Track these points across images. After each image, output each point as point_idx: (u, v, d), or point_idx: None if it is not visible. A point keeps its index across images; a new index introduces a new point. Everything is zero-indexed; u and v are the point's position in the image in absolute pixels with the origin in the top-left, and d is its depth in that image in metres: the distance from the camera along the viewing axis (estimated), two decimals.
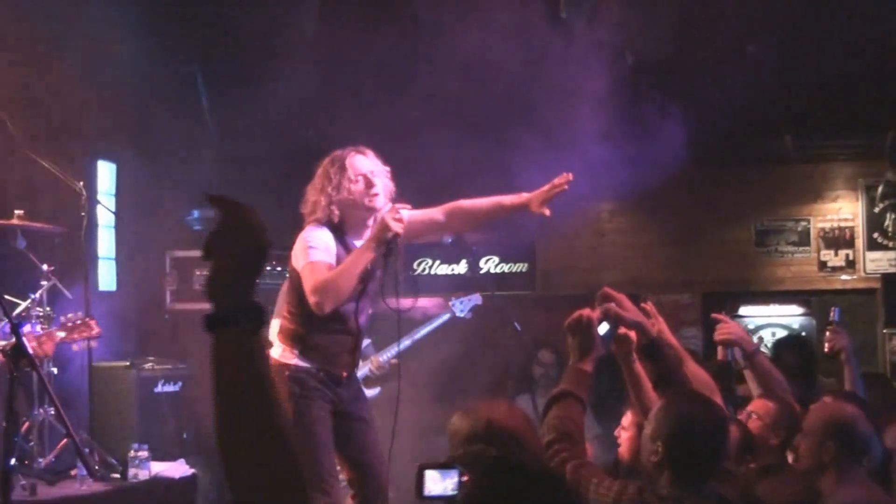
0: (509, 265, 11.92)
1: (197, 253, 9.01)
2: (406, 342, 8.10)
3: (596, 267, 11.79)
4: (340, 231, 5.65)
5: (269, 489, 2.24)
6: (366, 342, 8.04)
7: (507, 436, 3.59)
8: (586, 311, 4.01)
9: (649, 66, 9.00)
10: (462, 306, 8.22)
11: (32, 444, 7.33)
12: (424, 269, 11.70)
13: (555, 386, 4.10)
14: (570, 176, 5.60)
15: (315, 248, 5.55)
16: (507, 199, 5.79)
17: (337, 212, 5.63)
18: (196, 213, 9.84)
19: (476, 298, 8.31)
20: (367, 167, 5.67)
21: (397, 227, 5.43)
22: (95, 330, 6.17)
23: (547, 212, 5.62)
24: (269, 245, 2.31)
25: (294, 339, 5.69)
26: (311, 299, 5.46)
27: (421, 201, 8.86)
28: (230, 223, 2.31)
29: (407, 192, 8.96)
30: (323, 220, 5.65)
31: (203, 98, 10.59)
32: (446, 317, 8.24)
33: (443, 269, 11.77)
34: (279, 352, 5.69)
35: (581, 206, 10.91)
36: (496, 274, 11.72)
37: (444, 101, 9.11)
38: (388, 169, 5.81)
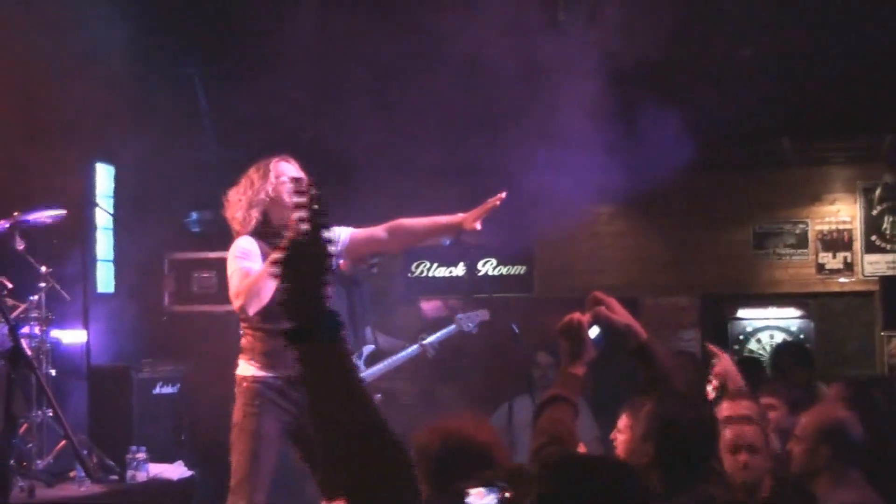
0: (507, 268, 11.92)
1: (195, 255, 9.04)
2: (412, 350, 8.10)
3: (594, 270, 11.79)
4: (264, 236, 5.78)
5: (379, 484, 2.30)
6: (369, 348, 8.07)
7: (478, 451, 3.61)
8: (577, 315, 4.02)
9: (646, 68, 9.01)
10: (469, 321, 8.22)
11: (31, 445, 7.36)
12: (423, 272, 11.70)
13: None
14: (503, 195, 5.88)
15: (242, 257, 5.73)
16: (444, 219, 6.00)
17: (257, 215, 5.79)
18: (194, 216, 9.86)
19: (483, 314, 8.32)
20: (292, 172, 5.82)
21: (301, 222, 5.52)
22: None
23: (478, 226, 5.88)
24: (330, 262, 2.47)
25: (245, 350, 5.86)
26: (234, 303, 5.70)
27: (417, 199, 8.92)
28: (296, 246, 2.44)
29: (405, 189, 9.02)
30: (247, 228, 5.81)
31: (201, 100, 10.61)
32: (452, 328, 8.24)
33: (441, 272, 11.77)
34: (239, 366, 5.86)
35: (579, 210, 10.92)
36: (494, 276, 11.73)
37: (440, 103, 9.13)
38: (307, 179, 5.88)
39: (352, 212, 6.13)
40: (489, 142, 9.06)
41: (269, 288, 5.56)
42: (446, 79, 9.01)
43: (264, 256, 5.68)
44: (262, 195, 5.76)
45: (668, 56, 8.96)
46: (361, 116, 9.10)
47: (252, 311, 5.60)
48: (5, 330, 7.16)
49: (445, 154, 9.09)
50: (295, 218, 5.53)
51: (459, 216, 5.91)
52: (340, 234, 5.95)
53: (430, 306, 10.62)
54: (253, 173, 5.85)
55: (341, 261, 6.06)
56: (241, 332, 5.93)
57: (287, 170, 5.82)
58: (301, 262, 2.47)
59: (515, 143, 9.06)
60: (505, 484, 3.26)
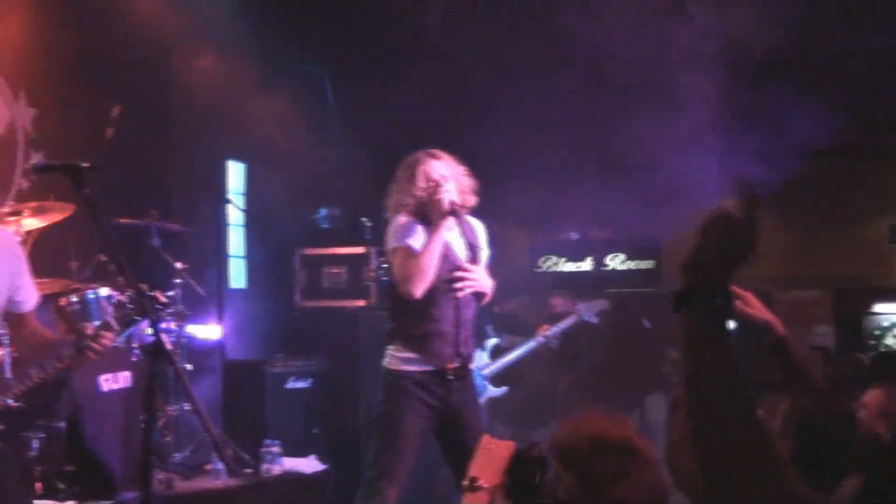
0: (636, 262, 11.78)
1: (325, 251, 9.14)
2: (532, 344, 8.08)
3: None
4: (426, 225, 5.82)
5: (741, 469, 2.30)
6: (493, 341, 8.07)
7: (622, 448, 3.56)
8: None
9: (776, 56, 8.86)
10: (589, 311, 8.17)
11: (168, 438, 7.51)
12: (549, 266, 11.64)
13: None
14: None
15: (401, 236, 5.78)
16: None
17: (413, 210, 5.84)
18: (323, 212, 9.94)
19: (602, 303, 8.27)
20: (438, 171, 5.81)
21: (444, 197, 5.68)
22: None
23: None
24: (754, 245, 2.42)
25: (395, 336, 5.86)
26: (401, 287, 5.72)
27: (546, 194, 8.90)
28: (734, 215, 2.45)
29: (527, 182, 8.99)
30: (409, 213, 5.86)
31: (330, 98, 10.72)
32: (573, 319, 8.19)
33: (568, 267, 11.69)
34: (385, 357, 5.87)
35: (708, 202, 10.76)
36: (622, 271, 11.61)
37: (567, 98, 9.10)
38: (461, 168, 5.91)
39: (483, 206, 6.13)
40: (617, 136, 8.97)
41: (433, 268, 5.63)
42: (574, 73, 8.98)
43: (424, 237, 5.73)
44: (410, 199, 5.80)
45: (799, 43, 8.80)
46: (491, 112, 9.12)
47: (419, 293, 5.64)
48: (144, 325, 7.34)
49: (574, 149, 9.04)
50: (438, 196, 5.64)
51: None
52: (481, 233, 6.01)
53: (558, 301, 10.53)
54: (401, 172, 5.88)
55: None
56: (391, 319, 5.95)
57: (432, 170, 5.82)
58: (727, 231, 2.46)
59: (643, 137, 8.96)
60: None
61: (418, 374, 5.75)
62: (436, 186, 5.73)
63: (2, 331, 5.10)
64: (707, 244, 2.48)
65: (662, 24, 8.64)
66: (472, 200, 5.90)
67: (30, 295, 4.78)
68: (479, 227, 6.06)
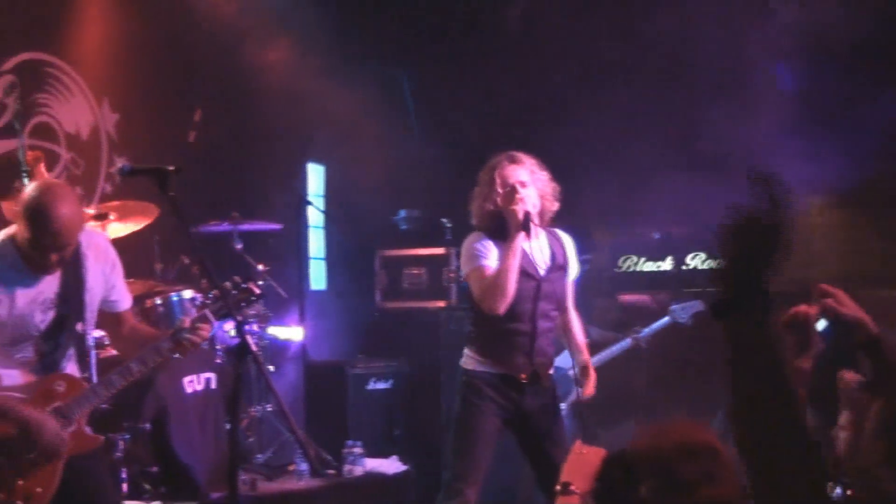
0: (717, 261, 11.66)
1: (405, 252, 9.15)
2: (622, 344, 8.01)
3: (807, 262, 11.41)
4: (502, 237, 5.69)
5: (786, 474, 2.27)
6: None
7: (706, 452, 3.50)
8: (803, 308, 3.89)
9: (862, 50, 8.70)
10: (683, 312, 8.07)
11: (251, 439, 7.55)
12: (629, 266, 11.55)
13: None
14: None
15: (475, 255, 5.68)
16: None
17: (490, 221, 5.72)
18: (402, 213, 9.95)
19: (697, 305, 8.14)
20: (517, 177, 5.68)
21: (519, 207, 5.54)
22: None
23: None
24: (784, 244, 2.37)
25: (471, 341, 5.82)
26: (482, 305, 5.65)
27: (621, 190, 8.81)
28: (760, 215, 2.39)
29: (607, 180, 8.92)
30: (482, 227, 5.76)
31: (408, 98, 10.73)
32: (665, 320, 8.10)
33: (648, 266, 11.59)
34: (463, 357, 5.83)
35: (790, 201, 10.60)
36: (703, 270, 11.49)
37: (645, 91, 9.04)
38: (544, 174, 5.79)
39: (564, 201, 6.06)
40: (699, 132, 8.87)
41: (513, 285, 5.57)
42: (656, 68, 8.91)
43: (498, 255, 5.64)
44: (490, 204, 5.70)
45: (886, 36, 8.64)
46: (572, 109, 9.06)
47: (502, 310, 5.57)
48: (227, 326, 7.39)
49: (656, 146, 8.95)
50: (513, 206, 5.54)
51: None
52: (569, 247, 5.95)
53: (635, 300, 10.44)
54: (482, 176, 5.77)
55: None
56: (469, 324, 5.92)
57: (510, 175, 5.69)
58: (751, 234, 2.42)
59: (719, 129, 8.86)
60: (849, 482, 3.17)
61: (490, 375, 5.72)
62: (511, 194, 5.65)
63: (100, 332, 5.15)
64: (735, 249, 2.41)
65: (745, 17, 8.54)
66: (553, 206, 5.78)
67: (124, 294, 4.85)
68: (567, 241, 5.93)
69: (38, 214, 4.33)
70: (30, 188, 4.47)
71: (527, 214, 5.58)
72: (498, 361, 5.70)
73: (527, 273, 5.64)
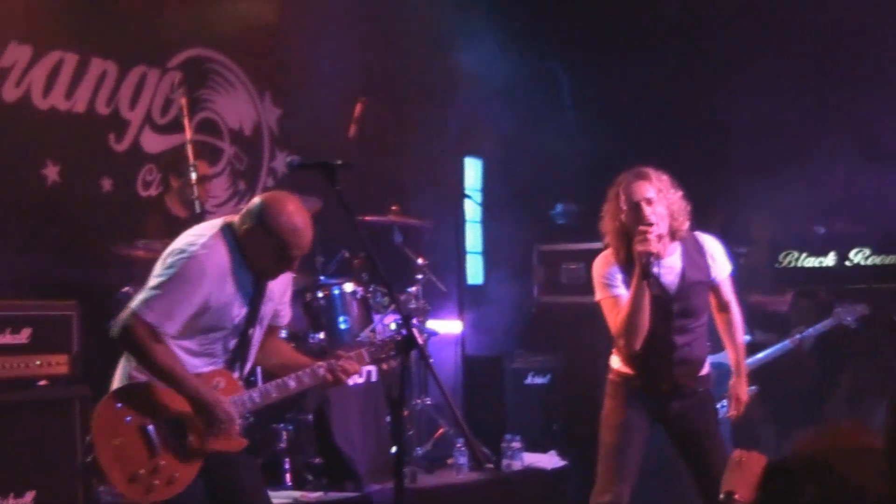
0: (881, 257, 11.35)
1: (563, 246, 9.09)
2: (785, 344, 7.81)
3: None
4: (630, 260, 5.46)
5: None
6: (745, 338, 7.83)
7: (872, 457, 3.38)
8: None
9: None
10: (848, 315, 7.84)
11: (411, 432, 7.59)
12: (790, 262, 11.31)
13: None
14: None
15: (604, 284, 5.56)
16: None
17: (617, 241, 5.55)
18: (559, 208, 9.90)
19: (863, 309, 7.91)
20: (641, 194, 5.47)
21: (644, 248, 5.30)
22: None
23: None
24: None
25: (617, 346, 5.71)
26: (618, 343, 5.54)
27: (783, 183, 8.62)
28: None
29: (767, 168, 8.74)
30: (612, 247, 5.60)
31: (565, 94, 10.68)
32: (829, 321, 7.89)
33: (809, 262, 11.34)
34: (612, 356, 5.75)
35: None
36: (868, 266, 11.19)
37: (810, 82, 8.86)
38: (676, 191, 5.55)
39: (725, 194, 5.94)
40: (867, 123, 8.65)
41: (646, 323, 5.41)
42: (821, 58, 8.72)
43: (625, 280, 5.48)
44: (616, 222, 5.51)
45: None
46: (731, 101, 8.91)
47: (638, 347, 5.42)
48: (386, 321, 7.44)
49: (820, 137, 8.75)
50: (638, 246, 5.32)
51: None
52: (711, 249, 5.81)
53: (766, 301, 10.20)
54: (610, 192, 5.57)
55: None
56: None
57: (636, 192, 5.45)
58: None
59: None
60: None
61: (633, 378, 5.62)
62: (636, 216, 5.39)
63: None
64: None
65: None
66: (683, 225, 5.56)
67: (287, 311, 4.96)
68: (708, 245, 5.71)
69: (296, 230, 4.50)
70: (268, 203, 4.55)
71: (647, 259, 5.32)
72: (639, 373, 5.60)
73: (657, 299, 5.45)
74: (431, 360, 7.86)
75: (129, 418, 4.38)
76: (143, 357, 4.42)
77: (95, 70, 7.63)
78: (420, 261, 7.95)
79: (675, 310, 5.55)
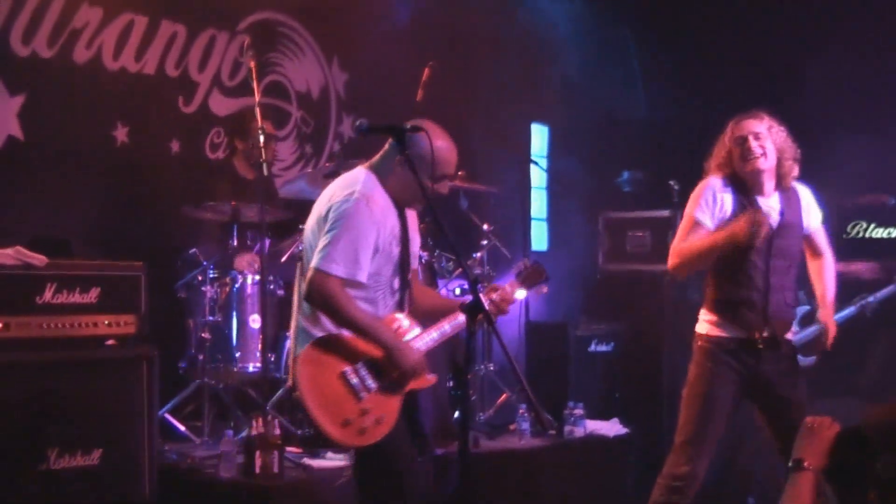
0: None
1: (629, 214, 9.04)
2: (847, 312, 7.70)
3: None
4: (743, 188, 5.53)
5: None
6: (802, 308, 7.76)
7: None
8: None
9: None
10: None
11: (474, 398, 7.60)
12: (858, 233, 11.17)
13: None
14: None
15: (698, 202, 5.55)
16: None
17: (727, 171, 5.56)
18: (625, 175, 9.83)
19: None
20: (751, 129, 5.49)
21: (748, 234, 5.32)
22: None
23: None
24: None
25: (706, 303, 5.69)
26: (670, 259, 5.59)
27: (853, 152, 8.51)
28: None
29: (836, 138, 8.63)
30: (721, 175, 5.59)
31: (634, 61, 10.59)
32: (892, 288, 7.77)
33: (878, 233, 11.19)
34: (698, 321, 5.72)
35: None
36: None
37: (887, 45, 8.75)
38: (783, 131, 5.57)
39: (817, 175, 5.89)
40: None
41: (708, 261, 5.46)
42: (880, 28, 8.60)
43: (732, 209, 5.50)
44: (722, 158, 5.56)
45: None
46: (805, 69, 8.81)
47: (682, 277, 5.57)
48: (451, 286, 7.45)
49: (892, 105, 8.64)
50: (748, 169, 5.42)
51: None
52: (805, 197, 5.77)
53: (865, 267, 10.11)
54: (723, 132, 5.62)
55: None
56: (703, 286, 5.77)
57: (746, 126, 5.52)
58: None
59: None
60: None
61: (726, 340, 5.58)
62: (742, 147, 5.49)
63: None
64: None
65: None
66: (793, 169, 5.58)
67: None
68: (803, 193, 5.72)
69: (449, 150, 4.78)
70: (421, 128, 4.67)
71: (764, 233, 5.38)
72: (732, 322, 5.55)
73: None
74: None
75: (329, 368, 4.52)
76: (336, 312, 4.55)
77: (165, 32, 7.67)
78: (485, 227, 7.94)
79: (775, 247, 5.54)
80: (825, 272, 5.85)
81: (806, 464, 3.59)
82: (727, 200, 5.53)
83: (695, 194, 5.60)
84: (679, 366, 6.79)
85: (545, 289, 5.52)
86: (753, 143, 5.45)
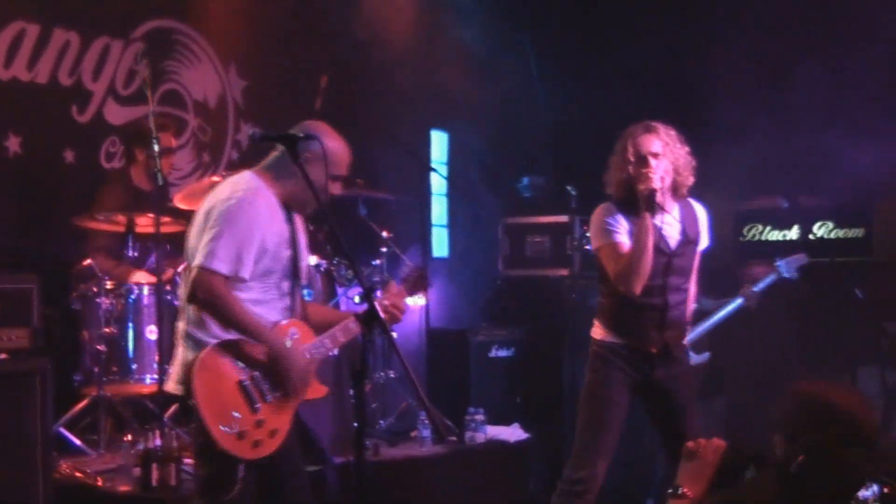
0: (844, 230, 11.40)
1: (528, 219, 9.09)
2: (731, 306, 7.79)
3: None
4: (633, 209, 5.57)
5: None
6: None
7: (847, 419, 3.40)
8: None
9: None
10: (788, 266, 7.85)
11: (374, 406, 7.60)
12: (754, 236, 11.35)
13: None
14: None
15: (606, 231, 5.60)
16: None
17: (622, 191, 5.61)
18: (526, 181, 9.89)
19: (802, 258, 7.92)
20: (648, 148, 5.53)
21: (646, 185, 5.43)
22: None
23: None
24: None
25: (601, 312, 5.77)
26: (618, 285, 5.55)
27: (745, 156, 8.64)
28: None
29: (731, 146, 8.77)
30: (615, 197, 5.65)
31: (533, 67, 10.65)
32: (772, 277, 7.89)
33: (773, 235, 11.38)
34: (593, 327, 5.79)
35: None
36: (829, 239, 11.24)
37: (779, 54, 8.87)
38: (681, 146, 5.63)
39: (713, 179, 5.96)
40: (831, 100, 8.68)
41: (649, 265, 5.48)
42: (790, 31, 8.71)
43: (628, 229, 5.55)
44: (623, 174, 5.57)
45: None
46: (700, 74, 8.92)
47: (639, 291, 5.48)
48: (350, 294, 7.44)
49: (783, 111, 8.79)
50: (640, 184, 5.44)
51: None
52: (703, 219, 5.84)
53: (762, 271, 10.27)
54: (618, 145, 5.64)
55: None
56: (599, 295, 5.84)
57: (643, 145, 5.53)
58: None
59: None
60: (888, 479, 3.08)
61: (620, 346, 5.66)
62: (642, 168, 5.49)
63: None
64: None
65: None
66: (688, 180, 5.63)
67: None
68: (700, 213, 5.80)
69: (342, 150, 4.78)
70: (314, 136, 4.66)
71: (651, 193, 5.45)
72: (627, 334, 5.63)
73: (658, 248, 5.52)
74: (393, 334, 7.89)
75: (225, 376, 4.43)
76: (220, 310, 4.45)
77: (58, 40, 7.56)
78: (384, 234, 7.94)
79: (674, 266, 5.62)
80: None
81: (683, 490, 3.59)
82: (624, 221, 5.60)
83: (598, 225, 5.65)
84: (579, 370, 6.86)
85: (424, 298, 5.56)
86: (652, 163, 5.49)
